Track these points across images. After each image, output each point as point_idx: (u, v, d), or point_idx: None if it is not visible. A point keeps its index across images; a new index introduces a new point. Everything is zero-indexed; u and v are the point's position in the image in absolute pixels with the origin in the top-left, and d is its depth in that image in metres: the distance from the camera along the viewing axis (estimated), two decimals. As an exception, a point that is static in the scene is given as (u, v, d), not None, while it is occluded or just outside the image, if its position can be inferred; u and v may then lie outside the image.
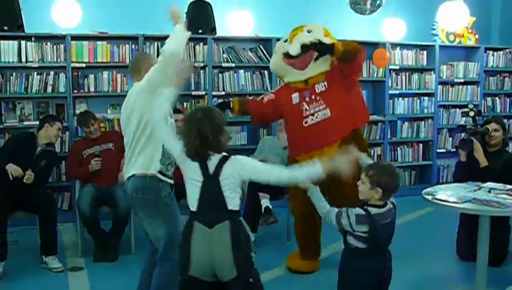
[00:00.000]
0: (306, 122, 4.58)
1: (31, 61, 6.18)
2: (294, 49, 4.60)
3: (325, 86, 4.60)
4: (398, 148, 7.95)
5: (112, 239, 5.23)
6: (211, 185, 2.89)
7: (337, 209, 3.18)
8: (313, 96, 4.57)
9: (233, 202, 2.91)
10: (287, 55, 4.64)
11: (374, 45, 7.40)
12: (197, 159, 2.94)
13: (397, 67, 7.80)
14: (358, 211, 3.10)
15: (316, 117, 4.56)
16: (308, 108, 4.57)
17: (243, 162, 2.98)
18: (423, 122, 8.06)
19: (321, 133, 4.56)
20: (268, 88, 7.02)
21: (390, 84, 7.74)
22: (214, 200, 2.89)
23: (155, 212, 3.53)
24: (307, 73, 4.63)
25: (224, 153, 2.97)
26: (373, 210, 3.12)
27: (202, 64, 6.76)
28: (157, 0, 7.02)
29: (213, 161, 2.92)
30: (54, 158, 5.41)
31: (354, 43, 4.53)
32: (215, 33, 6.84)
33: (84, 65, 6.36)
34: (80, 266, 5.01)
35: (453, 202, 3.93)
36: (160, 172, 3.52)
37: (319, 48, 4.49)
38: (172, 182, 3.61)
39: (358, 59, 4.53)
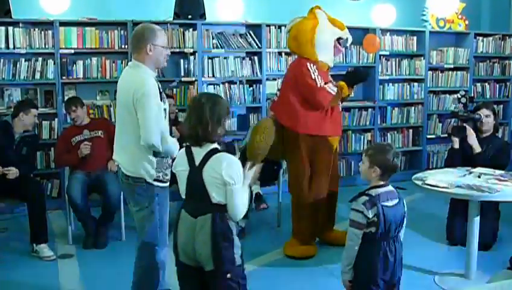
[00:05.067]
0: (340, 108, 4.91)
1: (19, 48, 6.10)
2: (350, 41, 4.99)
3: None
4: (388, 134, 7.95)
5: (101, 226, 5.20)
6: (195, 176, 2.86)
7: (348, 235, 3.14)
8: None
9: (219, 195, 2.84)
10: (338, 40, 4.84)
11: (364, 31, 7.36)
12: (191, 144, 2.92)
13: (387, 53, 7.78)
14: (362, 199, 3.11)
15: (340, 107, 4.94)
16: None
17: (228, 162, 2.84)
18: (413, 108, 8.06)
19: (340, 121, 4.99)
20: (258, 74, 7.01)
21: (380, 70, 7.72)
22: (198, 192, 2.86)
23: (144, 200, 3.49)
24: (333, 62, 4.96)
25: (215, 146, 2.91)
26: (373, 191, 3.14)
27: (192, 50, 6.72)
28: (146, -15, 7.06)
29: (201, 151, 2.88)
30: (35, 142, 5.39)
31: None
32: (205, 19, 6.79)
33: (72, 51, 6.29)
34: (70, 253, 4.99)
35: (443, 187, 3.94)
36: (156, 180, 3.47)
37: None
38: (167, 184, 3.57)
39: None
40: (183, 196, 2.95)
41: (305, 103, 4.72)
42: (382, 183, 3.18)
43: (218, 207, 2.84)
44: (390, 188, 3.21)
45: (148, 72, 3.44)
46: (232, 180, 2.80)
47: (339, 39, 4.80)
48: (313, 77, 4.64)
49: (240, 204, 2.86)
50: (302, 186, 4.83)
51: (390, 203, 3.13)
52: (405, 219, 3.27)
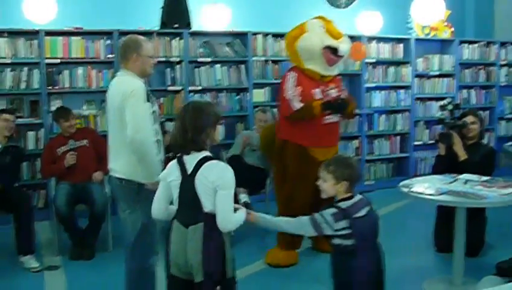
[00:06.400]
0: (325, 120, 4.75)
1: (4, 57, 6.05)
2: (345, 51, 4.88)
3: (336, 92, 4.84)
4: (375, 141, 7.97)
5: (88, 237, 5.16)
6: (187, 185, 2.83)
7: (307, 218, 3.12)
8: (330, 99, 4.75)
9: (210, 204, 2.80)
10: (331, 49, 4.75)
11: (350, 39, 7.34)
12: (178, 152, 2.91)
13: (373, 60, 7.81)
14: (331, 210, 3.06)
15: (332, 117, 4.78)
16: None
17: (220, 169, 2.85)
18: (400, 114, 8.08)
19: (331, 133, 4.88)
20: (245, 83, 7.00)
21: (366, 78, 7.75)
22: (190, 201, 2.83)
23: (135, 203, 3.53)
24: (330, 71, 4.85)
25: (207, 154, 2.89)
26: (343, 204, 3.09)
27: (178, 59, 6.71)
28: (132, -5, 7.07)
29: (192, 160, 2.86)
30: (19, 153, 5.35)
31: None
32: (191, 28, 6.79)
33: (58, 61, 6.24)
34: (56, 264, 4.94)
35: (429, 194, 3.95)
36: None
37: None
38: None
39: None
40: (176, 206, 2.92)
41: None
42: (350, 194, 3.14)
43: (210, 217, 2.80)
44: (358, 197, 3.16)
45: (136, 78, 3.57)
46: (223, 184, 2.79)
47: (331, 48, 4.76)
48: (286, 86, 4.74)
49: (229, 212, 2.83)
50: (276, 187, 5.11)
51: (361, 213, 3.08)
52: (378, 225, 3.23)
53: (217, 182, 2.78)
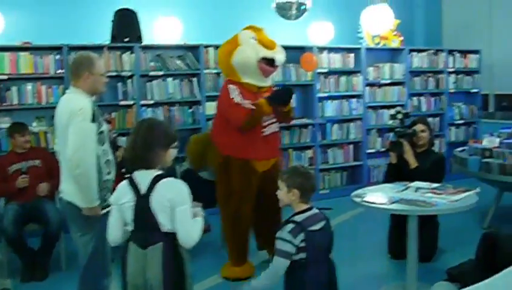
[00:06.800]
0: (263, 132, 4.75)
1: None
2: (281, 61, 4.85)
3: None
4: (329, 150, 8.04)
5: (41, 257, 5.01)
6: (143, 205, 2.79)
7: (274, 257, 3.10)
8: None
9: (169, 223, 2.78)
10: (266, 61, 4.72)
11: (301, 49, 7.46)
12: (128, 167, 2.89)
13: (325, 70, 7.89)
14: (288, 227, 3.08)
15: (269, 129, 4.79)
16: (265, 118, 4.72)
17: (175, 186, 2.84)
18: (352, 123, 8.18)
19: (272, 144, 4.88)
20: (197, 96, 6.98)
21: (319, 88, 7.82)
22: (147, 221, 2.79)
23: (86, 225, 3.47)
24: (265, 82, 4.84)
25: (158, 172, 2.86)
26: (298, 217, 3.11)
27: (130, 73, 6.64)
28: (82, 9, 6.99)
29: (144, 179, 2.82)
30: None
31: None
32: (142, 41, 6.74)
33: (6, 77, 6.11)
34: (7, 287, 4.76)
35: (381, 203, 4.00)
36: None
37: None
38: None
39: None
40: (131, 228, 2.85)
41: (225, 123, 4.78)
42: (306, 207, 3.17)
43: (169, 235, 2.78)
44: (314, 211, 3.19)
45: (85, 96, 3.53)
46: (180, 200, 2.78)
47: (266, 59, 4.75)
48: (231, 96, 4.69)
49: (189, 228, 2.81)
50: (221, 203, 4.97)
51: (317, 227, 3.11)
52: (333, 240, 3.25)
53: (174, 199, 2.76)
